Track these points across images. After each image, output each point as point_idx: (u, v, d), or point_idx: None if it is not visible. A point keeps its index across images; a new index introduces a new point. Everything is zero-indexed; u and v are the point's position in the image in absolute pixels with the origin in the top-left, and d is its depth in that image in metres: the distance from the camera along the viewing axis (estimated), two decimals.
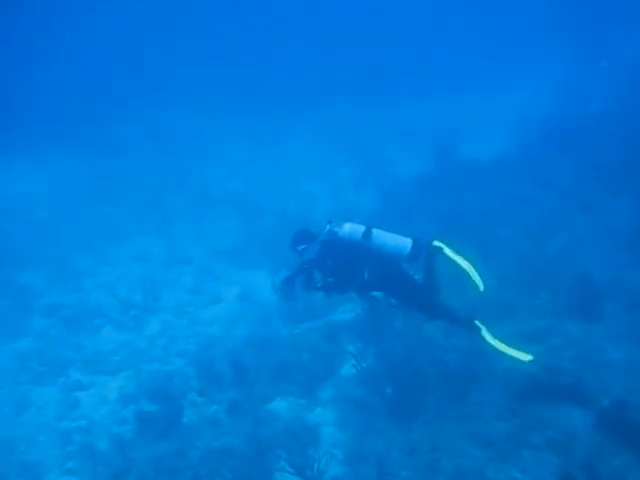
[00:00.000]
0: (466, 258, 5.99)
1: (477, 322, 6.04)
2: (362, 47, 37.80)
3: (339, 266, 6.14)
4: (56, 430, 9.13)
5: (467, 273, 5.91)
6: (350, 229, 6.05)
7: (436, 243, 6.02)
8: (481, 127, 21.61)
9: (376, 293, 6.28)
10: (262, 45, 40.71)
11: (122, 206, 18.11)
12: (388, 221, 14.21)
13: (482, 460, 6.51)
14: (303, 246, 6.35)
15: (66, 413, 9.53)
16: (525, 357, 5.88)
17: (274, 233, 15.22)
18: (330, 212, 17.16)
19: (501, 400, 7.32)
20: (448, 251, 5.96)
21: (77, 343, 11.54)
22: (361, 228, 6.07)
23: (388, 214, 14.73)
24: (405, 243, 6.02)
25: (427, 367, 8.41)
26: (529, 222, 11.70)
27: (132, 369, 10.63)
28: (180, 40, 40.67)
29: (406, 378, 8.30)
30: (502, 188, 14.12)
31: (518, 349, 5.92)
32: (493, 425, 6.90)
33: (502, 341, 5.99)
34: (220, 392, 9.56)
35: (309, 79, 32.63)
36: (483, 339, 5.99)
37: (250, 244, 15.11)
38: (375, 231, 6.06)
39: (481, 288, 5.91)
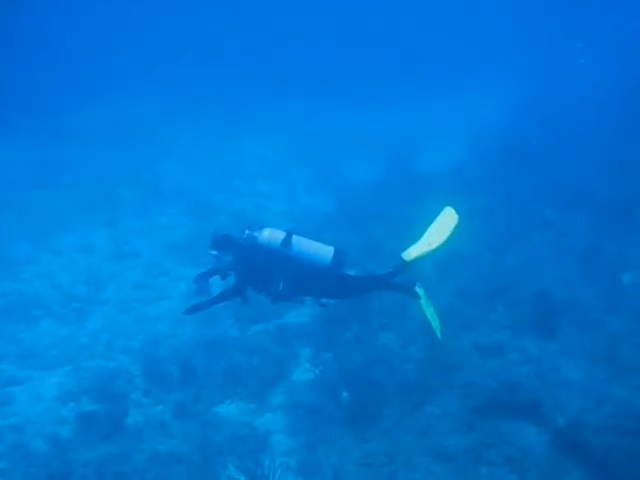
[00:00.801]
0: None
1: (417, 288, 5.98)
2: (323, 49, 37.87)
3: (253, 273, 5.90)
4: None
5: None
6: (269, 235, 5.78)
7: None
8: (438, 135, 21.71)
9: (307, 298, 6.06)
10: (227, 42, 40.33)
11: (69, 195, 17.35)
12: (344, 226, 14.25)
13: (440, 475, 6.41)
14: (217, 251, 6.03)
15: None
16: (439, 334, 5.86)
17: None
18: (284, 213, 16.98)
19: (458, 413, 7.25)
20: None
21: (12, 335, 10.90)
22: (281, 235, 5.79)
23: (343, 219, 14.65)
24: (327, 252, 5.80)
25: (384, 377, 8.29)
26: (486, 235, 11.75)
27: (72, 365, 10.10)
28: (146, 35, 40.08)
29: (362, 387, 8.15)
30: (458, 199, 14.16)
31: (439, 327, 5.87)
32: (450, 439, 6.80)
33: (434, 312, 5.94)
34: (166, 393, 9.18)
35: (267, 78, 32.40)
36: (419, 305, 5.95)
37: (201, 241, 14.64)
38: (295, 238, 5.81)
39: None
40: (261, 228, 5.85)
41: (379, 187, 16.30)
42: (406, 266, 5.89)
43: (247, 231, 5.82)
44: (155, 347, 10.34)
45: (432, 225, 5.97)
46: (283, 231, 5.83)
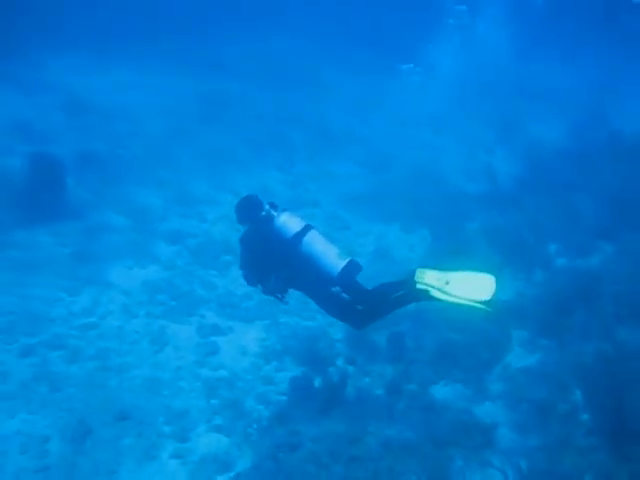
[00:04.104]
0: None
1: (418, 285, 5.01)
2: None
3: (256, 257, 5.36)
4: (197, 377, 8.42)
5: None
6: (284, 222, 5.19)
7: None
8: (626, 95, 19.69)
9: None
10: None
11: (236, 132, 17.12)
12: (539, 193, 13.02)
13: None
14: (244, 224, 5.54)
15: (205, 359, 8.79)
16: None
17: (405, 186, 14.13)
18: (463, 170, 15.88)
19: None
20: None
21: (207, 280, 10.75)
22: (297, 225, 5.19)
23: (537, 185, 13.45)
24: (339, 261, 5.10)
25: (633, 383, 7.32)
26: None
27: (269, 319, 9.84)
28: None
29: (606, 389, 7.25)
30: None
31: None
32: None
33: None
34: (371, 364, 8.72)
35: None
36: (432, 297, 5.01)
37: (379, 194, 14.04)
38: (310, 235, 5.16)
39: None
40: (283, 210, 5.30)
41: (572, 152, 14.85)
42: (412, 283, 5.04)
43: (267, 207, 5.30)
44: None
45: (468, 273, 5.01)
46: (301, 221, 5.23)
